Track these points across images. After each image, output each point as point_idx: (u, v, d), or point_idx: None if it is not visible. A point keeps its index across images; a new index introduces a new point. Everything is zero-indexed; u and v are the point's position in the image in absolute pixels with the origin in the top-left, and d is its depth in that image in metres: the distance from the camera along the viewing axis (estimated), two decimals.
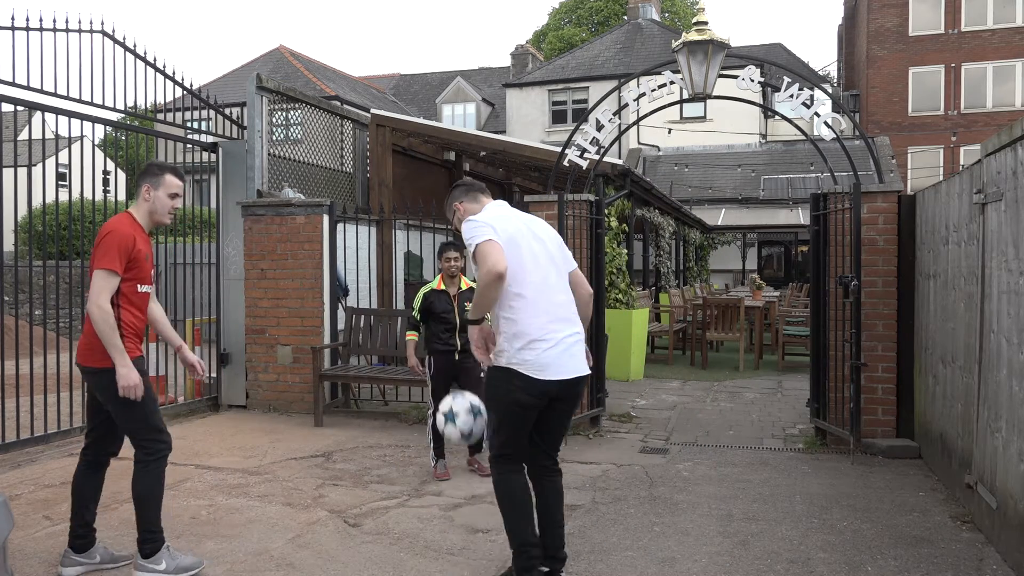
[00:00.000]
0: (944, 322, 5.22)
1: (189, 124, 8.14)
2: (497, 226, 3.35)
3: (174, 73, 7.33)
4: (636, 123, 8.01)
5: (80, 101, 6.37)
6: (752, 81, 6.97)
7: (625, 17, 37.61)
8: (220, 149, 8.12)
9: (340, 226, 8.01)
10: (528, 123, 30.40)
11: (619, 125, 7.66)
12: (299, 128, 8.96)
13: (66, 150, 8.57)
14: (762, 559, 3.94)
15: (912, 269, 6.13)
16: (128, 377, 3.51)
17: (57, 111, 6.26)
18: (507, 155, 11.62)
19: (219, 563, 3.87)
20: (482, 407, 3.50)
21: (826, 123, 6.77)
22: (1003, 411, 3.90)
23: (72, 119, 6.38)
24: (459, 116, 34.83)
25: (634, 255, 11.37)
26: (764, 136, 27.91)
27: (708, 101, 7.41)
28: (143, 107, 7.43)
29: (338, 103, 14.73)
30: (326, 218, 7.77)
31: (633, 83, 8.13)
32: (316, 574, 3.76)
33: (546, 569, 3.45)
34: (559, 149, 8.06)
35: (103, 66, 6.53)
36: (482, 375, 5.70)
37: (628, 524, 4.45)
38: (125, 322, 3.62)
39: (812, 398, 6.71)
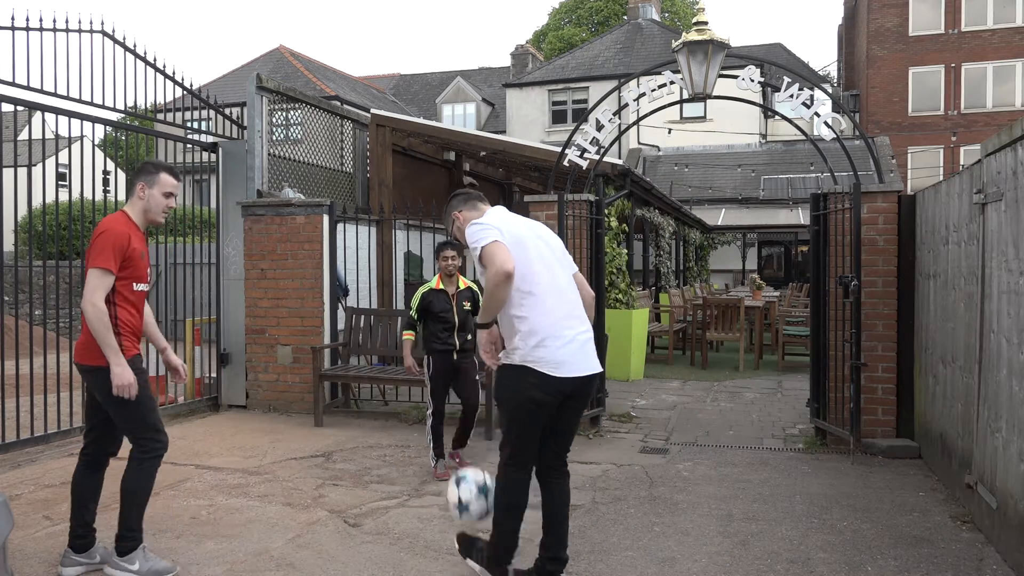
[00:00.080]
0: (944, 322, 5.22)
1: (189, 124, 8.14)
2: (503, 228, 3.35)
3: (174, 73, 7.33)
4: (636, 123, 8.00)
5: (80, 101, 6.37)
6: (752, 81, 6.97)
7: (625, 17, 37.61)
8: (220, 149, 8.12)
9: (340, 226, 8.01)
10: (528, 123, 30.40)
11: (619, 125, 7.66)
12: (299, 128, 8.96)
13: (66, 150, 8.58)
14: (762, 559, 3.94)
15: (912, 269, 6.13)
16: (122, 376, 3.51)
17: (57, 111, 6.26)
18: (507, 155, 11.62)
19: (219, 563, 3.87)
20: (488, 481, 3.52)
21: (826, 123, 6.77)
22: (1003, 411, 3.90)
23: (72, 119, 6.37)
24: (459, 116, 34.83)
25: (634, 255, 11.37)
26: (764, 136, 27.92)
27: (708, 101, 7.41)
28: (143, 107, 7.42)
29: (338, 103, 14.73)
30: (326, 218, 7.77)
31: (633, 83, 8.13)
32: (316, 574, 3.76)
33: (521, 568, 3.50)
34: (559, 149, 8.06)
35: (103, 66, 6.53)
36: (477, 377, 5.77)
37: (628, 524, 4.45)
38: (122, 320, 3.62)
39: (812, 398, 6.71)
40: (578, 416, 3.56)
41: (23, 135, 23.97)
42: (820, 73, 33.85)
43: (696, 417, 7.57)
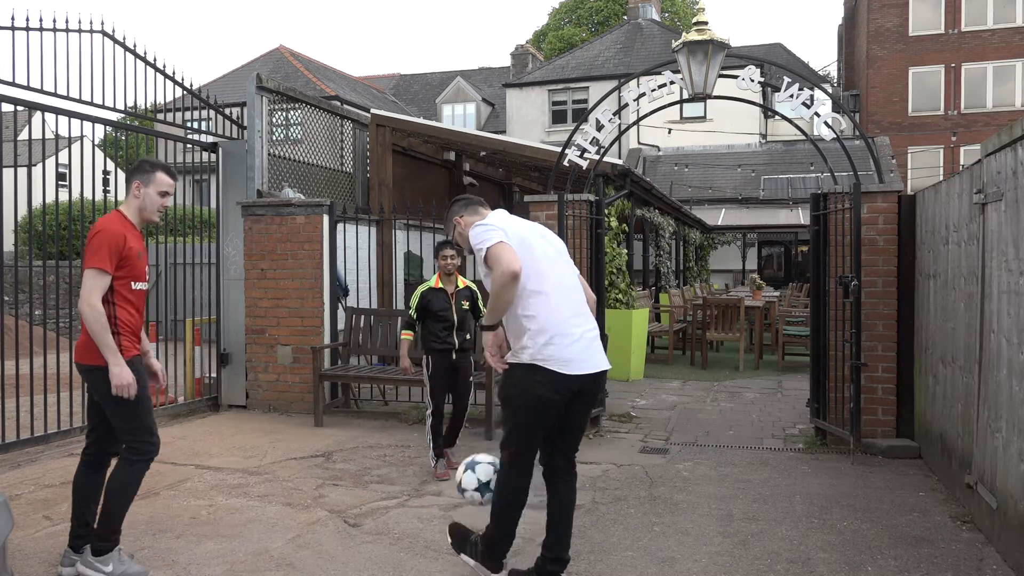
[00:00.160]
0: (944, 322, 5.22)
1: (189, 124, 8.14)
2: (508, 229, 3.35)
3: (174, 73, 7.34)
4: (636, 123, 8.00)
5: (80, 101, 6.37)
6: (752, 81, 6.97)
7: (625, 17, 37.61)
8: (220, 149, 8.12)
9: (340, 226, 8.01)
10: (528, 123, 30.40)
11: (619, 125, 7.66)
12: (299, 128, 8.96)
13: (66, 150, 8.58)
14: (762, 559, 3.94)
15: (912, 269, 6.13)
16: (121, 376, 3.51)
17: (57, 111, 6.26)
18: (507, 155, 11.62)
19: (219, 563, 3.87)
20: (498, 462, 3.52)
21: (826, 123, 6.77)
22: (1003, 411, 3.90)
23: (72, 119, 6.38)
24: (459, 116, 34.83)
25: (634, 255, 11.37)
26: (764, 136, 27.91)
27: (708, 101, 7.41)
28: (143, 107, 7.43)
29: (338, 103, 14.74)
30: (326, 218, 7.77)
31: (633, 83, 8.13)
32: (316, 574, 3.76)
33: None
34: (559, 149, 8.06)
35: (103, 66, 6.53)
36: (472, 379, 5.78)
37: (628, 524, 4.45)
38: (121, 320, 3.61)
39: (812, 398, 6.71)
40: (587, 414, 3.56)
41: (23, 135, 23.97)
42: (820, 73, 33.85)
43: (696, 417, 7.57)
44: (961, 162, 25.94)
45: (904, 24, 27.57)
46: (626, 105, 7.75)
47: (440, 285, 5.59)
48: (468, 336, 5.67)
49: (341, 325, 7.92)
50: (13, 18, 5.86)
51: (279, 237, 7.84)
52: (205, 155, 8.13)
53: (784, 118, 7.33)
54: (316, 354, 7.23)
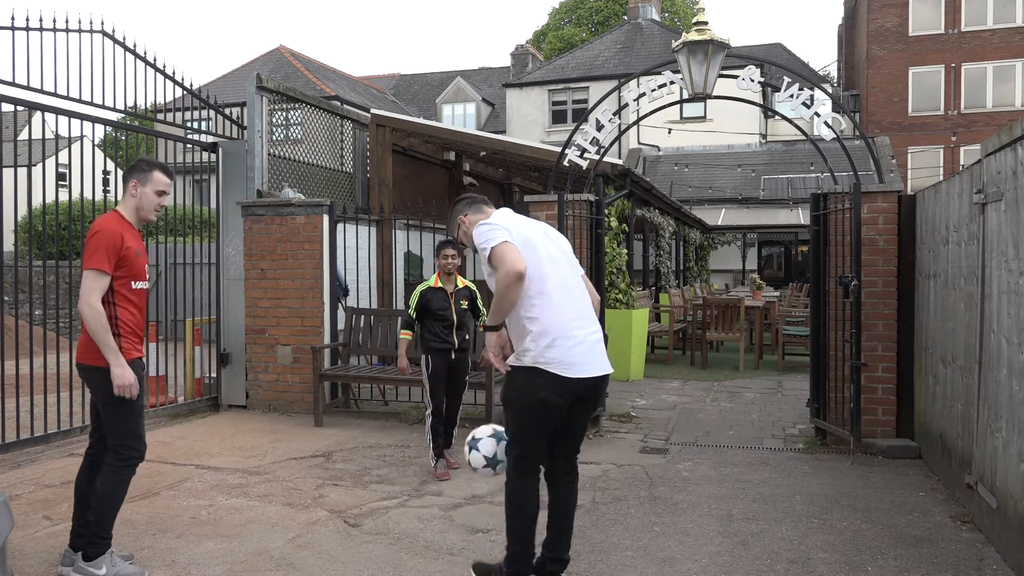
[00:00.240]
0: (944, 322, 5.22)
1: (189, 124, 8.14)
2: (511, 228, 3.33)
3: (174, 73, 7.34)
4: (636, 123, 8.00)
5: (80, 101, 6.37)
6: (752, 81, 6.97)
7: (625, 17, 37.62)
8: (220, 149, 8.12)
9: (340, 226, 8.01)
10: (528, 123, 30.40)
11: (619, 125, 7.66)
12: (299, 128, 8.96)
13: (66, 150, 8.57)
14: (762, 559, 3.94)
15: (912, 269, 6.13)
16: (122, 376, 3.51)
17: (57, 111, 6.26)
18: (507, 155, 11.62)
19: (219, 563, 3.87)
20: (503, 431, 3.49)
21: (826, 123, 6.77)
22: (1003, 411, 3.90)
23: (72, 119, 6.37)
24: (459, 116, 34.83)
25: (634, 255, 11.37)
26: (764, 136, 27.91)
27: (708, 101, 7.41)
28: (143, 107, 7.43)
29: (338, 103, 14.73)
30: (326, 218, 7.77)
31: (633, 83, 8.13)
32: (316, 574, 3.76)
33: None
34: (559, 149, 8.06)
35: (103, 66, 6.53)
36: (468, 378, 5.79)
37: (628, 524, 4.45)
38: (122, 320, 3.61)
39: (812, 398, 6.71)
40: (588, 417, 3.54)
41: (23, 135, 23.97)
42: (820, 73, 33.85)
43: (696, 417, 7.56)
44: (961, 162, 25.94)
45: (904, 24, 27.57)
46: (626, 105, 7.75)
47: (439, 284, 5.59)
48: (467, 336, 5.68)
49: (341, 325, 7.92)
50: (13, 18, 5.86)
51: (279, 237, 7.84)
52: (205, 155, 8.13)
53: (784, 118, 7.33)
54: (316, 354, 7.23)
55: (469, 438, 3.61)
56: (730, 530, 4.35)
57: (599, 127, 7.56)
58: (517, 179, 14.47)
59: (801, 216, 19.74)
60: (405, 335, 5.78)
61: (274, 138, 8.41)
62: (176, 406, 7.70)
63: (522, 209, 7.02)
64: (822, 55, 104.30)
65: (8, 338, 10.36)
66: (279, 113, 8.58)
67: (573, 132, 7.67)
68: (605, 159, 8.36)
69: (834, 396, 6.28)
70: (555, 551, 3.46)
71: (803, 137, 7.74)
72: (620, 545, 4.12)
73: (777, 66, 8.27)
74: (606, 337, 3.63)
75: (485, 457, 3.51)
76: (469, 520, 4.53)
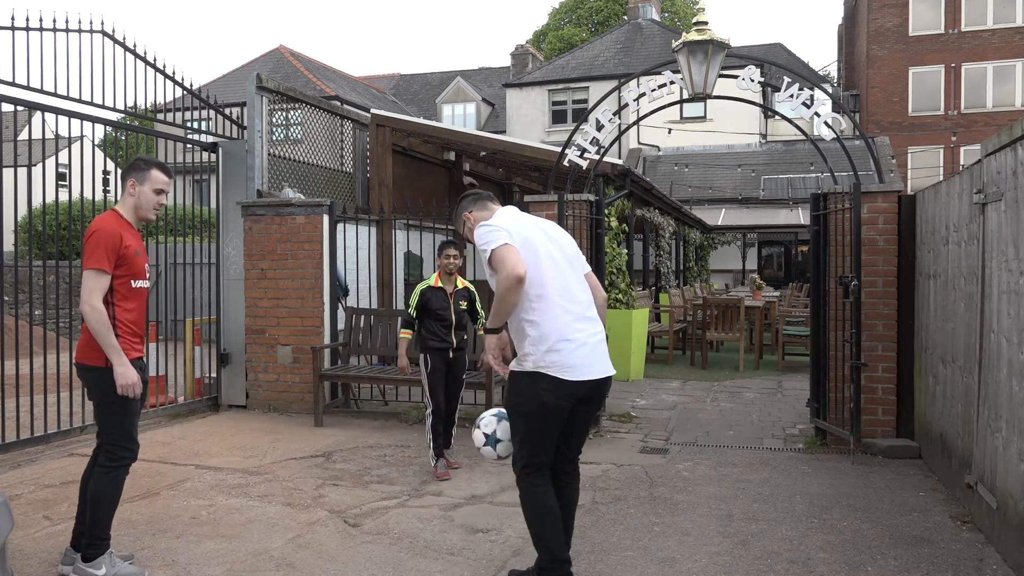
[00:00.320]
0: (944, 322, 5.22)
1: (189, 124, 8.14)
2: (512, 229, 3.30)
3: (174, 73, 7.33)
4: (636, 123, 8.00)
5: (80, 101, 6.37)
6: (752, 81, 6.97)
7: (625, 17, 37.62)
8: (220, 149, 8.12)
9: (340, 226, 8.01)
10: (528, 123, 30.40)
11: (619, 125, 7.66)
12: (299, 128, 8.96)
13: (66, 150, 8.57)
14: (762, 559, 3.94)
15: (912, 269, 6.13)
16: (126, 376, 3.51)
17: (57, 111, 6.26)
18: (507, 155, 11.62)
19: (219, 563, 3.87)
20: (504, 411, 3.47)
21: (826, 123, 6.77)
22: (1003, 411, 3.90)
23: (72, 119, 6.37)
24: (459, 116, 34.83)
25: (634, 255, 11.37)
26: (764, 136, 27.92)
27: (708, 101, 7.41)
28: (143, 107, 7.42)
29: (338, 103, 14.73)
30: (326, 218, 7.77)
31: (633, 83, 8.13)
32: (316, 574, 3.76)
33: None
34: (559, 149, 8.06)
35: (103, 66, 6.53)
36: (465, 377, 5.79)
37: (628, 524, 4.45)
38: (121, 320, 3.60)
39: (812, 398, 6.71)
40: (591, 418, 3.51)
41: (23, 135, 23.97)
42: (820, 73, 33.86)
43: (696, 417, 7.56)
44: (961, 162, 25.95)
45: (904, 24, 27.57)
46: (626, 105, 7.75)
47: (440, 284, 5.60)
48: (465, 336, 5.70)
49: (341, 325, 7.92)
50: (13, 18, 5.86)
51: (279, 237, 7.84)
52: (205, 155, 8.13)
53: (784, 118, 7.33)
54: (316, 354, 7.23)
55: (477, 419, 3.61)
56: (730, 530, 4.35)
57: (599, 127, 7.56)
58: (517, 179, 14.47)
59: (801, 216, 19.74)
60: (405, 334, 5.78)
61: (274, 138, 8.41)
62: (176, 406, 7.70)
63: (522, 209, 7.02)
64: (822, 55, 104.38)
65: (8, 338, 10.36)
66: (279, 113, 8.58)
67: (573, 132, 7.67)
68: (605, 159, 8.36)
69: (834, 396, 6.28)
70: None
71: (803, 137, 7.74)
72: (620, 545, 4.12)
73: (777, 66, 8.27)
74: (606, 337, 3.60)
75: (484, 434, 3.51)
76: (469, 520, 4.53)
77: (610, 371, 3.39)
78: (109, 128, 7.01)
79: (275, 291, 7.86)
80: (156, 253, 10.10)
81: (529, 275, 3.23)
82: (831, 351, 6.33)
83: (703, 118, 27.38)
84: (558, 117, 30.38)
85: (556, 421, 3.30)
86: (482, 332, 5.65)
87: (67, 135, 6.78)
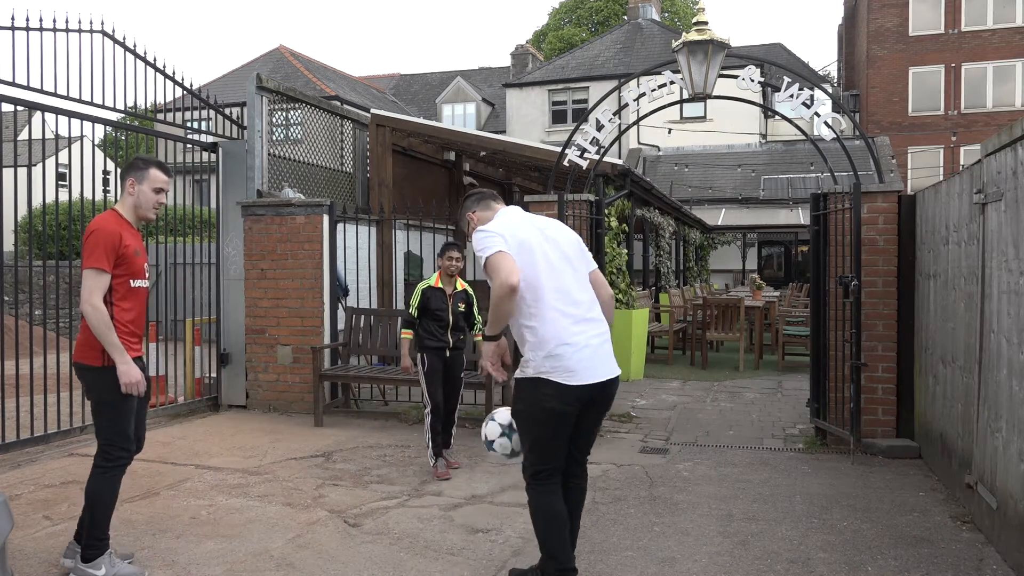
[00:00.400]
0: (944, 322, 5.22)
1: (189, 124, 8.14)
2: (507, 234, 3.27)
3: (174, 73, 7.33)
4: (636, 123, 8.00)
5: (80, 101, 6.37)
6: (752, 81, 6.97)
7: (625, 17, 37.62)
8: (220, 149, 8.12)
9: (340, 226, 8.01)
10: (528, 123, 30.41)
11: (619, 125, 7.66)
12: (299, 128, 8.96)
13: (66, 150, 8.57)
14: (762, 559, 3.94)
15: (912, 269, 6.13)
16: (128, 374, 3.52)
17: (57, 111, 6.26)
18: (507, 155, 11.62)
19: (219, 563, 3.87)
20: (513, 422, 3.44)
21: (826, 123, 6.77)
22: (1003, 411, 3.90)
23: (72, 119, 6.37)
24: (459, 116, 34.83)
25: (634, 255, 11.37)
26: (764, 136, 27.92)
27: (708, 101, 7.41)
28: (143, 107, 7.43)
29: (338, 103, 14.73)
30: (326, 218, 7.77)
31: (633, 83, 8.13)
32: (316, 574, 3.76)
33: None
34: (559, 149, 8.06)
35: (103, 66, 6.52)
36: (463, 376, 5.79)
37: (628, 524, 4.45)
38: (118, 320, 3.60)
39: (812, 398, 6.71)
40: (599, 421, 3.47)
41: (23, 135, 23.97)
42: (820, 73, 33.86)
43: (696, 417, 7.56)
44: (961, 162, 25.95)
45: (904, 24, 27.57)
46: (626, 105, 7.75)
47: (439, 285, 5.61)
48: (462, 336, 5.71)
49: (341, 325, 7.92)
50: (13, 18, 5.86)
51: (279, 237, 7.84)
52: (205, 155, 8.13)
53: (784, 118, 7.33)
54: (316, 354, 7.23)
55: (488, 417, 3.57)
56: (730, 530, 4.35)
57: (599, 127, 7.56)
58: (517, 179, 14.46)
59: (801, 216, 19.74)
60: (406, 334, 5.78)
61: (274, 138, 8.41)
62: (176, 406, 7.70)
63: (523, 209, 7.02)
64: (822, 55, 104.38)
65: (8, 338, 10.36)
66: (279, 113, 8.58)
67: (573, 132, 7.67)
68: (605, 159, 8.36)
69: (834, 396, 6.28)
70: None
71: (803, 137, 7.74)
72: (620, 545, 4.12)
73: (777, 66, 8.27)
74: None
75: (485, 436, 3.48)
76: (469, 520, 4.53)
77: (615, 372, 3.34)
78: (109, 128, 7.01)
79: (275, 291, 7.86)
80: (156, 253, 10.11)
81: (526, 280, 3.21)
82: (831, 351, 6.33)
83: (703, 118, 27.39)
84: (558, 117, 30.38)
85: (562, 426, 3.27)
86: (478, 338, 5.67)
87: (67, 135, 6.78)
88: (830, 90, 27.68)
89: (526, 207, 7.38)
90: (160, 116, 7.67)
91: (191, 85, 7.54)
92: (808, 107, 6.81)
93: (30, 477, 5.41)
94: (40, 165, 6.97)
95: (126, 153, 8.10)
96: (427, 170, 11.69)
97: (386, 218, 9.22)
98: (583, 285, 3.42)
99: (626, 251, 10.00)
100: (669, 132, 23.50)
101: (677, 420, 7.42)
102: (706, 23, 7.00)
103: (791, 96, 6.83)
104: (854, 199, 5.99)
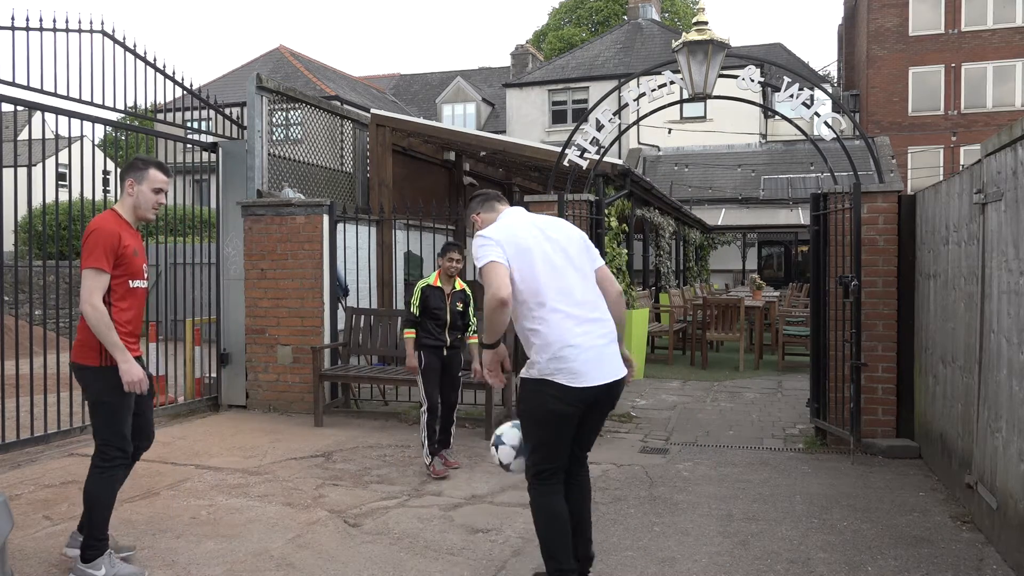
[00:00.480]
0: (944, 322, 5.22)
1: (189, 124, 8.14)
2: (505, 240, 3.26)
3: (174, 73, 7.33)
4: (636, 123, 8.00)
5: (80, 101, 6.37)
6: (752, 81, 6.97)
7: (625, 17, 37.62)
8: (220, 149, 8.12)
9: (340, 226, 8.01)
10: (528, 123, 30.41)
11: (619, 125, 7.66)
12: (299, 128, 8.96)
13: (66, 150, 8.57)
14: (762, 559, 3.94)
15: (912, 269, 6.13)
16: (130, 373, 3.52)
17: (57, 111, 6.26)
18: (507, 155, 11.61)
19: (219, 563, 3.87)
20: (522, 441, 3.42)
21: (826, 123, 6.77)
22: (1003, 411, 3.90)
23: (72, 119, 6.37)
24: (459, 116, 34.83)
25: (634, 255, 11.36)
26: (764, 136, 27.91)
27: (708, 101, 7.41)
28: (143, 107, 7.43)
29: (338, 103, 14.73)
30: (326, 218, 7.77)
31: (633, 83, 8.13)
32: (316, 574, 3.76)
33: None
34: (559, 149, 8.06)
35: (103, 66, 6.53)
36: (461, 375, 5.80)
37: (628, 524, 4.45)
38: (116, 320, 3.59)
39: (812, 398, 6.71)
40: (602, 421, 3.47)
41: (23, 135, 23.97)
42: (820, 73, 33.86)
43: (696, 417, 7.56)
44: (961, 162, 25.95)
45: (904, 24, 27.57)
46: (626, 105, 7.75)
47: (439, 284, 5.62)
48: (459, 335, 5.73)
49: (341, 325, 7.92)
50: (13, 18, 5.86)
51: (279, 237, 7.84)
52: (205, 155, 8.13)
53: (784, 118, 7.33)
54: (316, 354, 7.23)
55: (493, 437, 3.55)
56: (730, 530, 4.35)
57: (599, 127, 7.56)
58: (517, 179, 14.46)
59: (801, 216, 19.74)
60: (409, 334, 5.78)
61: (274, 138, 8.41)
62: (176, 406, 7.70)
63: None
64: (822, 55, 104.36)
65: (8, 338, 10.36)
66: (279, 113, 8.58)
67: (573, 132, 7.67)
68: (605, 159, 8.35)
69: (834, 396, 6.28)
70: (579, 548, 3.38)
71: (803, 137, 7.74)
72: (620, 545, 4.12)
73: (777, 66, 8.27)
74: None
75: (513, 448, 3.44)
76: (469, 520, 4.53)
77: (620, 373, 3.32)
78: (109, 128, 7.01)
79: (275, 291, 7.86)
80: (156, 253, 10.11)
81: (526, 284, 3.22)
82: (831, 351, 6.33)
83: (703, 118, 27.39)
84: (558, 117, 30.38)
85: (566, 427, 3.27)
86: (473, 340, 5.68)
87: (67, 135, 6.78)
88: (830, 90, 27.69)
89: (526, 207, 7.37)
90: (160, 116, 7.67)
91: (191, 85, 7.54)
92: (808, 107, 6.81)
93: (30, 477, 5.41)
94: (40, 165, 6.97)
95: (126, 153, 8.10)
96: (427, 170, 11.69)
97: (386, 218, 9.22)
98: (587, 284, 3.39)
99: (626, 251, 10.00)
100: (669, 132, 23.50)
101: (677, 420, 7.42)
102: (706, 23, 7.00)
103: (791, 96, 6.83)
104: (854, 199, 5.99)
